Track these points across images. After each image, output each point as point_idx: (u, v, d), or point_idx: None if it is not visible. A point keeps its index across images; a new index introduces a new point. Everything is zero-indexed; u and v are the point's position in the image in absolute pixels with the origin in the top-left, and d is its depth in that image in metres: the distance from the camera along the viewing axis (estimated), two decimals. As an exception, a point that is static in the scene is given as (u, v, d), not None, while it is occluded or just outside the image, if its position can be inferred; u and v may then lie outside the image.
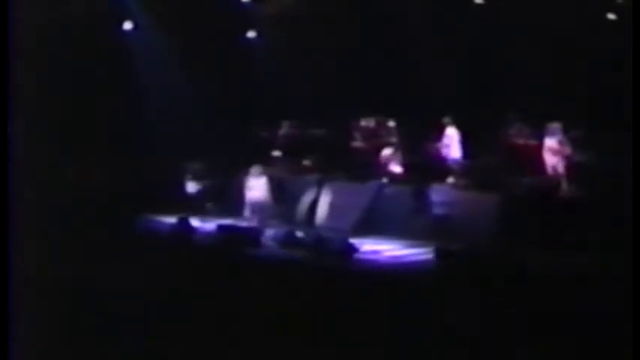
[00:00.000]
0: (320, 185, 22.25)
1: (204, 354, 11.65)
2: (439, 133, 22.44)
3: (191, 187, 23.64)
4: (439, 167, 22.26)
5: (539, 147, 21.25)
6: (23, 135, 11.37)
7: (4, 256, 9.89)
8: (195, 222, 21.37)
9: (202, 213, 22.69)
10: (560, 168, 20.88)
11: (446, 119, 22.38)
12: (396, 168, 22.67)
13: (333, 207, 21.73)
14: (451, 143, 22.36)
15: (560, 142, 20.96)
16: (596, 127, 20.65)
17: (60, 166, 22.29)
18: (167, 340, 11.59)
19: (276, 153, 24.36)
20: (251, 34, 26.63)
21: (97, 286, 13.63)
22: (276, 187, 22.78)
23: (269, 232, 20.29)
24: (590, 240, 17.13)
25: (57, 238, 15.57)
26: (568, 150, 20.87)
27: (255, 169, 21.88)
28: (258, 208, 21.68)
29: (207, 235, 20.65)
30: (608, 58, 21.15)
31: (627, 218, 16.05)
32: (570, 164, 20.74)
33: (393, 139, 23.12)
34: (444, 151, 22.38)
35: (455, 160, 22.29)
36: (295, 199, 22.55)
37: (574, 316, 12.07)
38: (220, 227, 20.49)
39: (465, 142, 22.30)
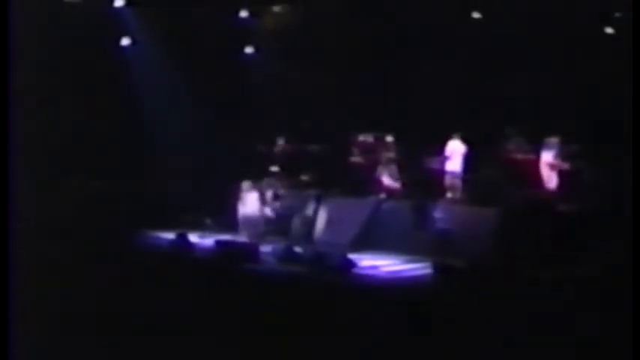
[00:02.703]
0: (318, 201, 22.24)
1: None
2: (441, 146, 22.46)
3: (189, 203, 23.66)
4: (438, 182, 22.29)
5: (538, 161, 21.29)
6: (23, 148, 11.37)
7: (4, 267, 9.89)
8: (193, 238, 21.35)
9: (201, 228, 22.66)
10: (559, 182, 20.92)
11: (455, 135, 22.42)
12: (394, 183, 22.68)
13: (331, 222, 21.74)
14: (452, 156, 22.37)
15: (558, 157, 21.01)
16: (594, 141, 20.69)
17: (58, 180, 22.32)
18: (166, 354, 11.56)
19: (274, 168, 24.36)
20: (249, 49, 26.66)
21: (95, 301, 13.58)
22: (274, 203, 22.79)
23: (267, 248, 20.29)
24: (590, 253, 17.13)
25: (55, 254, 15.55)
26: (566, 164, 20.91)
27: (245, 185, 21.88)
28: (249, 223, 21.67)
29: (206, 250, 20.63)
30: (607, 73, 21.17)
31: (626, 231, 16.06)
32: (568, 178, 20.78)
33: (392, 155, 23.15)
34: (445, 164, 22.39)
35: (455, 174, 22.30)
36: (293, 214, 22.54)
37: (575, 329, 12.06)
38: (218, 243, 20.47)
39: (465, 157, 22.33)
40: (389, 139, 23.42)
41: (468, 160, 22.35)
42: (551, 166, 21.12)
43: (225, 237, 21.40)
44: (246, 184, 21.95)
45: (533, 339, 11.84)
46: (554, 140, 21.15)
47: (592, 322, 12.17)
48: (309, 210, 22.20)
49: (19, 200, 10.62)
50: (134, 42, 25.23)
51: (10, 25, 10.24)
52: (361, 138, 23.71)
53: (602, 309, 12.73)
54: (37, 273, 12.48)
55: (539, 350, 11.56)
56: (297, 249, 20.07)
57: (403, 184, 22.64)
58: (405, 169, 22.88)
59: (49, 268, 14.16)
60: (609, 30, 22.43)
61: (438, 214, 20.79)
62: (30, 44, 15.61)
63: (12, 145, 10.16)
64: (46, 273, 13.59)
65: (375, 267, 19.08)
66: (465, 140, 22.39)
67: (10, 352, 9.63)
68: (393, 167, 22.89)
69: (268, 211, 22.41)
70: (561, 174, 21.04)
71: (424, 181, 22.35)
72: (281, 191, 23.38)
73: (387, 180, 22.75)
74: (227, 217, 22.63)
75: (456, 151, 22.43)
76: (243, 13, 25.89)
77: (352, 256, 19.04)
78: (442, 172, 22.45)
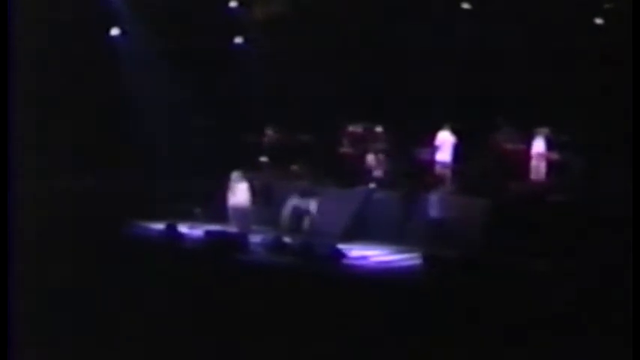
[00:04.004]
0: (308, 191, 22.20)
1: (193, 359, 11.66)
2: (431, 137, 22.45)
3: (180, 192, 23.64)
4: (428, 172, 22.29)
5: (528, 152, 21.32)
6: (17, 141, 11.34)
7: (4, 260, 9.89)
8: (183, 228, 21.33)
9: (190, 219, 22.62)
10: (549, 173, 20.96)
11: (445, 125, 22.40)
12: (384, 173, 22.69)
13: (321, 213, 21.69)
14: (443, 146, 22.36)
15: (549, 147, 21.05)
16: (584, 131, 20.73)
17: (49, 172, 22.25)
18: (157, 345, 11.57)
19: (264, 159, 24.34)
20: (238, 40, 26.60)
21: (86, 291, 13.59)
22: (264, 193, 22.75)
23: (257, 238, 20.29)
24: (581, 244, 17.18)
25: (45, 245, 15.51)
26: (556, 155, 20.95)
27: (235, 175, 21.85)
28: (239, 213, 21.66)
29: (195, 241, 20.61)
30: (597, 64, 21.21)
31: (618, 222, 16.12)
32: (559, 169, 20.82)
33: (381, 145, 23.15)
34: (436, 154, 22.38)
35: (445, 164, 22.30)
36: (283, 204, 22.50)
37: (566, 321, 12.09)
38: (208, 233, 20.46)
39: (455, 147, 22.33)
40: (379, 129, 23.42)
41: (458, 150, 22.36)
42: (542, 157, 21.16)
43: (215, 227, 21.37)
44: (235, 175, 21.90)
45: (522, 329, 11.90)
46: (544, 131, 21.20)
47: (586, 312, 12.22)
48: (299, 200, 22.15)
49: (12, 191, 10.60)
50: (124, 32, 25.16)
51: (10, 18, 10.22)
52: (351, 128, 23.70)
53: (595, 299, 12.78)
54: (31, 264, 12.47)
55: (529, 339, 11.61)
56: (287, 239, 20.08)
57: (393, 175, 22.62)
58: (395, 159, 22.87)
59: (41, 260, 14.15)
60: (599, 20, 22.45)
61: (427, 204, 20.79)
62: (22, 35, 15.50)
63: (11, 141, 10.15)
64: (39, 265, 13.58)
65: (364, 257, 19.11)
66: (454, 131, 22.39)
67: (10, 349, 9.65)
68: (383, 157, 22.88)
69: (261, 202, 22.29)
70: (551, 165, 21.07)
71: (414, 171, 22.36)
72: (271, 182, 23.32)
73: (376, 170, 22.75)
74: (216, 208, 22.59)
75: (446, 141, 22.43)
76: (233, 3, 25.83)
77: (342, 246, 19.06)
78: (432, 163, 22.45)
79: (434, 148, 22.44)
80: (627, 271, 13.40)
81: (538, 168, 21.22)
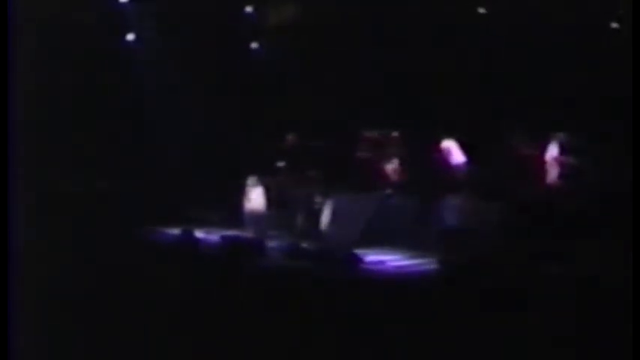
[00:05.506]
0: (324, 196, 22.22)
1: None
2: (437, 146, 22.43)
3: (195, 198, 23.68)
4: (443, 177, 22.26)
5: (542, 157, 21.27)
6: (26, 143, 11.37)
7: (5, 261, 9.90)
8: (199, 233, 21.36)
9: (206, 224, 22.65)
10: (564, 178, 20.89)
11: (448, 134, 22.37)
12: (400, 179, 22.67)
13: (337, 218, 21.72)
14: (450, 152, 22.30)
15: (563, 152, 20.99)
16: (598, 137, 20.66)
17: (63, 176, 22.31)
18: (171, 351, 11.58)
19: (280, 164, 24.34)
20: (254, 45, 26.62)
21: (100, 297, 13.62)
22: (280, 198, 22.77)
23: (273, 243, 20.31)
24: (594, 251, 17.13)
25: (59, 250, 15.56)
26: (571, 160, 20.89)
27: (251, 180, 21.91)
28: (255, 218, 21.70)
29: (212, 246, 20.64)
30: (611, 68, 21.13)
31: (630, 228, 16.04)
32: (573, 174, 20.75)
33: (397, 150, 23.11)
34: (444, 161, 22.35)
35: (458, 166, 22.23)
36: (299, 210, 22.53)
37: (578, 327, 12.07)
38: (224, 238, 20.49)
39: (467, 152, 22.28)
40: (394, 134, 23.38)
41: (472, 155, 22.30)
42: (557, 162, 21.09)
43: (231, 232, 21.40)
44: (251, 180, 21.98)
45: (536, 335, 11.87)
46: (559, 135, 21.14)
47: (597, 319, 12.19)
48: (315, 206, 22.17)
49: (21, 200, 10.61)
50: (139, 37, 25.21)
51: (10, 19, 10.23)
52: (367, 134, 23.66)
53: (606, 306, 12.74)
54: (41, 269, 12.49)
55: (542, 346, 11.58)
56: (304, 244, 20.10)
57: (408, 180, 22.59)
58: (411, 164, 22.83)
59: (54, 264, 14.18)
60: (614, 25, 22.39)
61: (443, 209, 20.77)
62: (30, 37, 15.53)
63: (12, 144, 10.16)
64: (51, 269, 13.60)
65: (381, 262, 19.10)
66: (457, 140, 22.33)
67: (10, 349, 9.66)
68: (398, 162, 22.85)
69: (277, 207, 22.30)
70: (566, 170, 21.00)
71: (430, 176, 22.33)
72: (287, 187, 23.33)
73: (392, 175, 22.73)
74: (233, 213, 22.62)
75: (449, 146, 22.35)
76: (249, 9, 25.86)
77: (358, 251, 19.06)
78: (447, 168, 22.40)
79: (449, 153, 22.39)
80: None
81: (553, 173, 21.15)
